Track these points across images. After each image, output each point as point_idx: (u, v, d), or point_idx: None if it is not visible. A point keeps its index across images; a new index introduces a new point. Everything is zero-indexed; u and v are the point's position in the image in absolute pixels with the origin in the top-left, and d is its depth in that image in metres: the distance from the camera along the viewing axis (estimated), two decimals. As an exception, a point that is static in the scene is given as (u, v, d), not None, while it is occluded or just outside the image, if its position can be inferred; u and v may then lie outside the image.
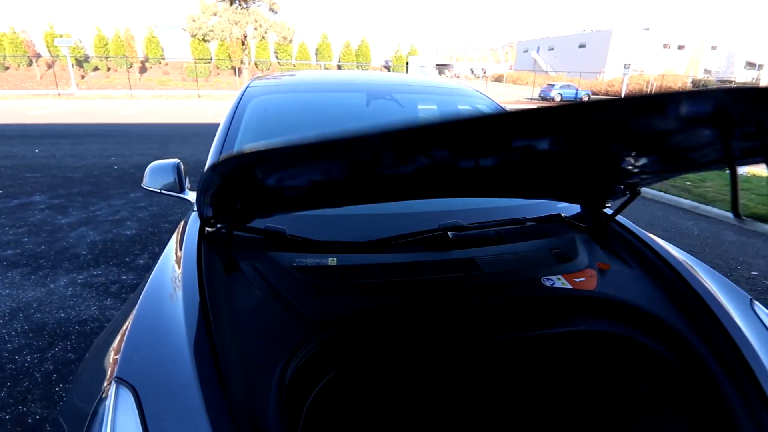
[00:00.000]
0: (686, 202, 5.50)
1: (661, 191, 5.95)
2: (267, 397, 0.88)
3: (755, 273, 3.65)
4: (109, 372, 0.90)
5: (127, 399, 0.81)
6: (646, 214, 5.15)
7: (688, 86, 36.21)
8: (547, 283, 1.26)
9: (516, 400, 1.38)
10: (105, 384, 0.88)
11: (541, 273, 1.31)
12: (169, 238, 1.46)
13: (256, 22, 31.46)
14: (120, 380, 0.85)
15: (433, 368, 1.24)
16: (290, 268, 1.23)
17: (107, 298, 2.91)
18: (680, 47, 46.15)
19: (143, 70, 31.93)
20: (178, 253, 1.27)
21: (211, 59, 31.97)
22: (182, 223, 1.57)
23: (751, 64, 47.01)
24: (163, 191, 1.83)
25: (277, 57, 33.25)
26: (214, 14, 31.00)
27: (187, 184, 1.89)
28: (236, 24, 30.89)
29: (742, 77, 44.90)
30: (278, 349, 0.99)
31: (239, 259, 1.24)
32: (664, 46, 45.42)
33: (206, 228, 1.31)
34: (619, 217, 1.55)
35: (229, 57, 31.41)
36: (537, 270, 1.32)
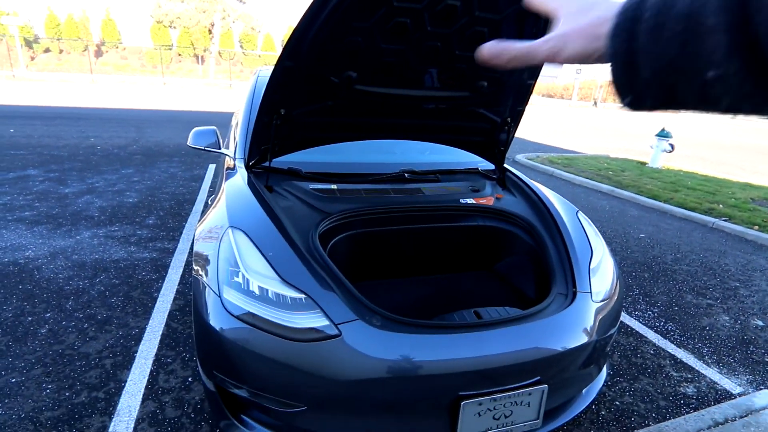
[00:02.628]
0: (605, 187, 6.65)
1: (587, 179, 7.10)
2: (308, 242, 1.68)
3: (643, 235, 4.75)
4: (222, 226, 1.67)
5: (242, 235, 1.59)
6: (571, 195, 6.23)
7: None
8: (463, 201, 2.14)
9: (437, 257, 2.24)
10: (222, 232, 1.64)
11: (460, 197, 2.19)
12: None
13: (224, 11, 31.19)
14: (234, 227, 1.62)
15: (394, 239, 2.08)
16: (309, 189, 2.04)
17: (130, 246, 3.56)
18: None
19: (99, 54, 30.94)
20: (237, 180, 2.04)
21: (172, 46, 31.41)
22: (226, 165, 2.32)
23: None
24: (206, 148, 2.56)
25: (242, 47, 33.08)
26: (182, 1, 30.46)
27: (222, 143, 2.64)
28: (204, 12, 30.52)
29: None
30: (309, 224, 1.79)
31: (273, 185, 2.03)
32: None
33: (251, 167, 2.09)
34: (517, 172, 2.46)
35: (192, 44, 30.99)
36: (458, 195, 2.20)
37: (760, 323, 3.06)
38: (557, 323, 1.53)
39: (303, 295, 1.40)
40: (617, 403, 2.16)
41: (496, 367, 1.38)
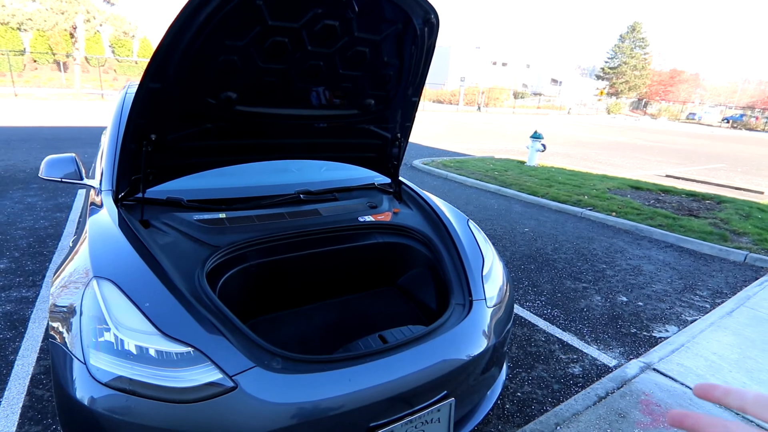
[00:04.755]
0: (492, 186, 7.24)
1: (477, 180, 7.66)
2: (194, 282, 1.52)
3: (527, 229, 5.25)
4: (84, 276, 1.43)
5: (110, 286, 1.38)
6: (464, 195, 6.67)
7: (510, 97, 43.55)
8: (361, 219, 2.13)
9: (340, 280, 2.20)
10: (86, 282, 1.41)
11: (358, 215, 2.18)
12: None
13: (88, 13, 27.72)
14: (98, 277, 1.40)
15: (293, 266, 1.99)
16: (193, 220, 1.86)
17: (-28, 298, 2.93)
18: (504, 64, 54.95)
19: (-77, 60, 25.49)
20: (103, 216, 1.78)
21: (25, 51, 27.09)
22: (91, 199, 2.03)
23: (554, 80, 58.39)
24: (63, 180, 2.20)
25: (114, 52, 29.76)
26: (33, 0, 26.39)
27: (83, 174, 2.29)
28: (62, 14, 26.79)
29: (548, 91, 55.39)
30: (194, 263, 1.62)
31: (150, 219, 1.82)
32: (493, 63, 53.58)
33: (121, 201, 1.84)
34: (411, 185, 2.52)
35: (51, 50, 27.06)
36: (356, 213, 2.18)
37: (624, 299, 3.56)
38: (458, 334, 1.59)
39: (190, 349, 1.25)
40: (519, 394, 2.33)
41: (405, 390, 1.38)
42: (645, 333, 3.05)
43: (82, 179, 2.24)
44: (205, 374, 1.23)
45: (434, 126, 18.87)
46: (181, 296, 1.38)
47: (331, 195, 2.32)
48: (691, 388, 2.35)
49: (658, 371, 2.50)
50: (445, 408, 1.47)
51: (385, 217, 2.22)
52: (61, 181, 2.22)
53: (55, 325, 1.39)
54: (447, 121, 21.88)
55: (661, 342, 2.92)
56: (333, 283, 2.15)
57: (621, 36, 54.92)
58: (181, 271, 1.53)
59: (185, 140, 1.76)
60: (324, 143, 2.12)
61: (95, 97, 21.63)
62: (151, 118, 1.57)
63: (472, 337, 1.62)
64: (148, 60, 1.39)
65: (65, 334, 1.32)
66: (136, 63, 29.33)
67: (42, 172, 2.25)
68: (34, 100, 19.11)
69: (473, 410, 1.74)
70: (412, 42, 1.76)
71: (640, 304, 3.50)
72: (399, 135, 2.21)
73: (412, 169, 8.69)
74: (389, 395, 1.35)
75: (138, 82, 1.47)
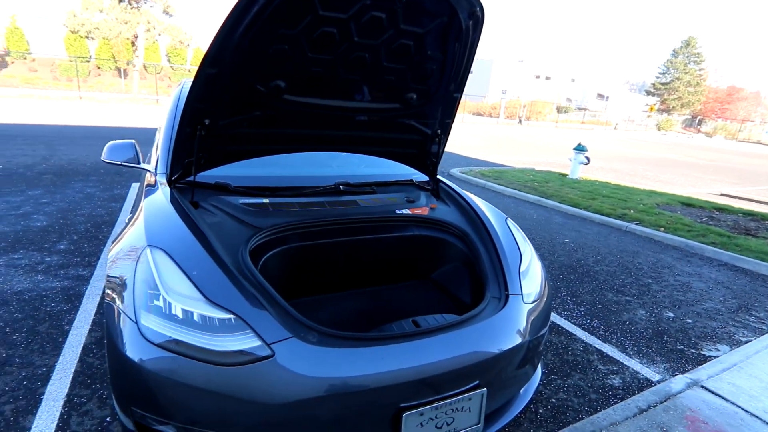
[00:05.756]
0: (532, 197, 7.08)
1: (516, 189, 7.52)
2: (238, 258, 1.58)
3: (567, 240, 5.09)
4: (139, 246, 1.53)
5: (162, 254, 1.46)
6: (501, 205, 6.56)
7: (554, 111, 42.55)
8: (398, 212, 2.15)
9: (374, 270, 2.21)
10: (139, 252, 1.50)
11: (396, 207, 2.20)
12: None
13: (149, 23, 29.62)
14: (152, 246, 1.49)
15: (330, 252, 2.03)
16: (239, 204, 1.94)
17: (36, 274, 3.17)
18: (547, 78, 53.89)
19: (3, 65, 28.06)
20: (158, 195, 1.90)
21: (90, 58, 29.21)
22: (146, 181, 2.16)
23: (600, 95, 56.62)
24: (123, 163, 2.36)
25: (169, 60, 31.57)
26: (100, 11, 28.52)
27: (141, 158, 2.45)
28: (126, 23, 28.77)
29: (594, 106, 53.74)
30: (238, 240, 1.69)
31: (200, 201, 1.91)
32: (536, 76, 52.68)
33: (174, 183, 1.95)
34: (450, 183, 2.53)
35: (113, 57, 29.04)
36: (393, 206, 2.21)
37: (671, 314, 3.37)
38: (492, 326, 1.57)
39: (232, 316, 1.31)
40: (553, 400, 2.25)
41: (436, 375, 1.37)
42: (693, 350, 2.88)
43: (139, 163, 2.39)
44: (245, 341, 1.27)
45: (473, 137, 18.72)
46: (226, 268, 1.45)
47: (369, 188, 2.36)
48: (744, 409, 2.20)
49: (706, 389, 2.34)
50: (477, 397, 1.45)
51: (423, 211, 2.23)
52: (121, 165, 2.38)
53: (110, 289, 1.49)
54: (486, 133, 21.65)
55: (710, 360, 2.74)
56: (367, 272, 2.18)
57: (674, 51, 52.75)
58: (227, 247, 1.61)
59: (235, 127, 1.85)
60: (365, 136, 2.17)
61: (151, 102, 23.02)
62: (207, 102, 1.66)
63: (506, 330, 1.59)
64: (207, 47, 1.48)
65: (119, 297, 1.41)
66: (189, 71, 30.98)
67: (104, 156, 2.42)
68: (96, 102, 20.56)
69: (505, 406, 1.70)
70: (456, 36, 1.77)
71: (689, 321, 3.30)
72: (439, 131, 2.22)
73: (450, 177, 8.64)
74: (419, 378, 1.35)
75: (193, 77, 1.57)
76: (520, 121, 35.28)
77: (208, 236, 1.58)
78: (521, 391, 1.80)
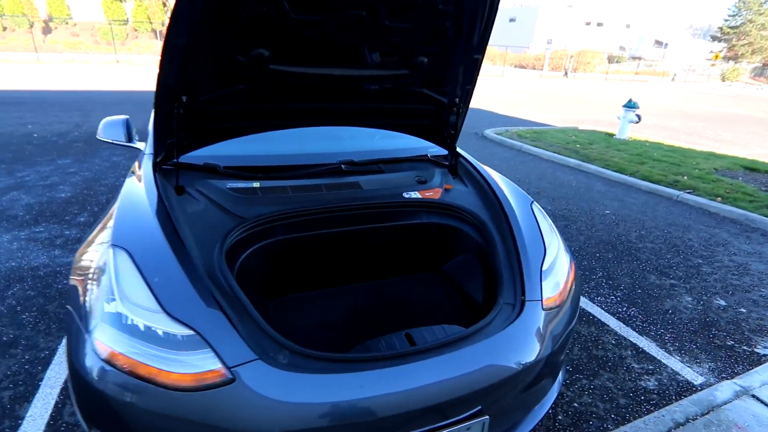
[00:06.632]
0: (572, 161, 6.54)
1: (555, 153, 6.97)
2: (212, 258, 1.41)
3: (608, 212, 4.66)
4: (105, 243, 1.38)
5: (125, 256, 1.31)
6: (537, 170, 6.09)
7: (604, 61, 39.33)
8: (406, 196, 1.90)
9: (378, 261, 2.01)
10: (102, 252, 1.36)
11: (403, 190, 1.95)
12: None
13: (179, -19, 29.23)
14: (116, 246, 1.34)
15: (320, 243, 1.83)
16: (225, 188, 1.75)
17: (54, 249, 3.20)
18: (599, 24, 49.44)
19: (47, 30, 28.82)
20: (138, 183, 1.74)
21: (127, 20, 29.45)
22: (136, 163, 2.01)
23: (658, 42, 51.62)
24: (114, 141, 2.22)
25: (203, 20, 31.28)
26: (132, -29, 28.41)
27: (135, 136, 2.30)
28: (157, -18, 28.59)
29: (650, 55, 49.21)
30: (219, 233, 1.52)
31: (186, 186, 1.74)
32: (586, 23, 48.43)
33: (159, 165, 1.78)
34: (470, 158, 2.23)
35: (149, 19, 29.13)
36: (400, 188, 1.96)
37: (723, 303, 3.00)
38: (502, 342, 1.34)
39: (192, 332, 1.15)
40: (575, 404, 2.03)
41: (431, 404, 1.18)
42: (745, 347, 2.53)
43: (130, 142, 2.25)
44: (204, 362, 1.12)
45: (513, 92, 17.62)
46: (194, 273, 1.28)
47: (376, 167, 2.10)
48: (805, 427, 1.89)
49: (758, 399, 2.04)
50: (476, 427, 1.25)
51: (434, 194, 1.97)
52: (113, 143, 2.25)
53: (69, 292, 1.37)
54: (528, 88, 20.32)
55: (765, 362, 2.40)
56: (370, 264, 1.97)
57: (749, -12, 46.58)
58: (203, 245, 1.44)
59: (219, 102, 1.63)
60: (371, 108, 1.90)
61: (185, 63, 23.07)
62: (180, 77, 1.44)
63: (519, 345, 1.36)
64: (170, 13, 1.24)
65: (76, 303, 1.28)
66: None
67: (99, 133, 2.28)
68: (132, 66, 20.86)
69: (512, 428, 1.49)
70: None
71: (743, 310, 2.92)
72: (457, 100, 1.91)
73: (483, 138, 8.13)
74: (409, 407, 1.16)
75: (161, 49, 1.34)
76: (566, 73, 32.86)
77: (181, 233, 1.42)
78: (535, 407, 1.58)
